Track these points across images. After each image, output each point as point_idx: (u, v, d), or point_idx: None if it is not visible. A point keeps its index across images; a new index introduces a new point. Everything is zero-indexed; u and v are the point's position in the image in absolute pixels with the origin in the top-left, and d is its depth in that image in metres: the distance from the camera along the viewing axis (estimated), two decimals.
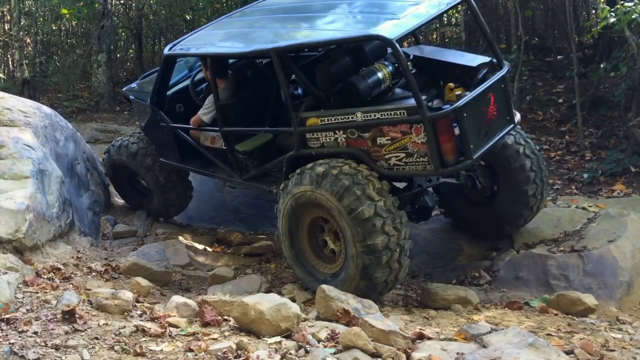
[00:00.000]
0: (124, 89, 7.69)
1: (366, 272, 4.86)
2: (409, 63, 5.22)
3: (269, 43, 5.42)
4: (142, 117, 6.97)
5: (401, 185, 5.55)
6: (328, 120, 5.15)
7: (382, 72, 5.27)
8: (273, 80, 5.99)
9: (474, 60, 5.51)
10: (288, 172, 5.43)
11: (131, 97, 7.19)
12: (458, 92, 5.07)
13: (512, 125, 5.32)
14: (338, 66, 5.44)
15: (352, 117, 5.03)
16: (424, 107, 4.74)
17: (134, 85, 7.58)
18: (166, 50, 6.38)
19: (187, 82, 6.76)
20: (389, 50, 5.53)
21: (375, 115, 4.92)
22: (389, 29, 4.90)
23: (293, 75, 5.78)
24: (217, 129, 6.04)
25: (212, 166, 6.48)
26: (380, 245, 4.79)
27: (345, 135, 5.11)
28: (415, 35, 6.12)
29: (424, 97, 4.91)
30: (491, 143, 5.09)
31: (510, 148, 5.73)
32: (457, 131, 4.85)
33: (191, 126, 6.40)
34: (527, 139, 5.88)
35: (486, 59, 5.46)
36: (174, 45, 6.43)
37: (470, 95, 4.94)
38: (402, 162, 4.94)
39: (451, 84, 5.16)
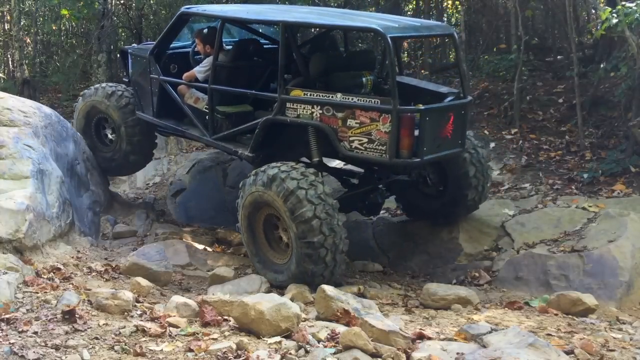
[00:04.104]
0: (124, 47, 8.17)
1: (305, 265, 5.38)
2: None
3: (280, 17, 6.08)
4: (134, 69, 7.47)
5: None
6: (310, 95, 5.74)
7: (366, 78, 6.05)
8: (269, 62, 6.58)
9: (443, 89, 6.25)
10: (259, 136, 6.03)
11: (129, 50, 7.65)
12: None
13: (460, 149, 5.96)
14: (331, 61, 6.15)
15: (332, 97, 5.63)
16: (396, 99, 5.31)
17: (134, 46, 8.07)
18: (183, 8, 6.93)
19: (189, 49, 7.18)
20: (377, 61, 6.47)
21: (352, 99, 5.55)
22: (386, 28, 5.52)
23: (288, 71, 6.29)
24: (207, 85, 6.42)
25: (185, 125, 6.98)
26: (317, 244, 5.30)
27: (321, 111, 5.68)
28: (399, 66, 6.84)
29: None
30: (440, 154, 5.72)
31: (459, 154, 6.16)
32: (416, 133, 5.43)
33: (182, 80, 6.82)
34: (476, 147, 6.42)
35: (455, 90, 6.20)
36: (191, 7, 6.97)
37: (435, 105, 5.69)
38: (363, 146, 5.50)
39: (420, 105, 5.66)
